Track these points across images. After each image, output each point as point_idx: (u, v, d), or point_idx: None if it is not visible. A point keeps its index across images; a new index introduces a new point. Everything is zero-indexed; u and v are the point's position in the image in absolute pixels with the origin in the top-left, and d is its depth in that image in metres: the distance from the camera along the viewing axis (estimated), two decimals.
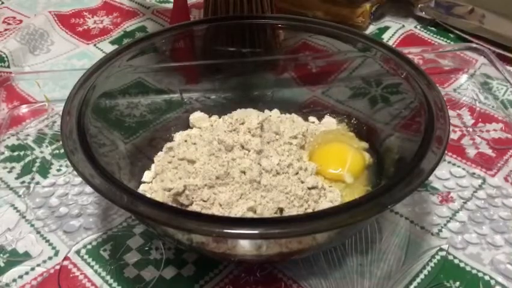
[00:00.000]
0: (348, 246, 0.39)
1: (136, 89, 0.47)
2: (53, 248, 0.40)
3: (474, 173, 0.45)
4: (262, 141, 0.41)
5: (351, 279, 0.37)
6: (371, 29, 0.67)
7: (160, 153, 0.45)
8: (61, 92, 0.52)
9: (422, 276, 0.37)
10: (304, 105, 0.50)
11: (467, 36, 0.64)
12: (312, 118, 0.49)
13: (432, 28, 0.66)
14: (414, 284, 0.37)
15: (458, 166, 0.46)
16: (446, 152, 0.41)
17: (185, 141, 0.44)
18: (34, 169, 0.46)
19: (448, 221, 0.41)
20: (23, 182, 0.45)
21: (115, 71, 0.43)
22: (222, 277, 0.37)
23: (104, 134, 0.41)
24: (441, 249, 0.39)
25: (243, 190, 0.37)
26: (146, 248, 0.39)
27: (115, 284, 0.37)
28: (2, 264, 0.38)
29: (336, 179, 0.41)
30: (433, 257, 0.38)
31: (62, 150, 0.47)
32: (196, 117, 0.48)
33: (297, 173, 0.40)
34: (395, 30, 0.66)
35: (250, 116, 0.42)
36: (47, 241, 0.40)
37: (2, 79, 0.54)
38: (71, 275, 0.38)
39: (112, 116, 0.44)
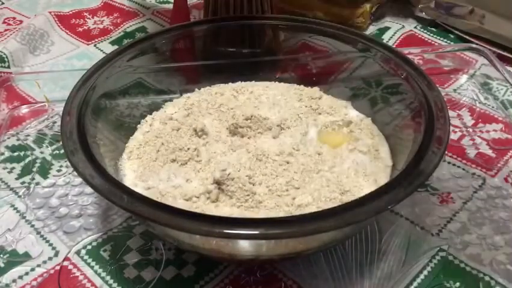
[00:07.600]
0: (348, 246, 0.39)
1: (136, 90, 0.47)
2: (53, 248, 0.40)
3: (474, 174, 0.45)
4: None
5: (351, 279, 0.37)
6: (371, 30, 0.67)
7: None
8: (61, 92, 0.52)
9: (422, 276, 0.37)
10: None
11: (467, 37, 0.64)
12: None
13: (432, 28, 0.66)
14: (415, 284, 0.37)
15: (458, 166, 0.46)
16: (446, 152, 0.40)
17: None
18: (34, 169, 0.46)
19: (448, 222, 0.41)
20: (23, 183, 0.45)
21: (115, 71, 0.43)
22: (222, 277, 0.37)
23: (104, 134, 0.41)
24: (441, 250, 0.39)
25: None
26: (147, 249, 0.39)
27: (115, 285, 0.37)
28: (2, 265, 0.38)
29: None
30: (433, 257, 0.38)
31: (62, 151, 0.47)
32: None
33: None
34: (395, 30, 0.66)
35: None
36: (47, 241, 0.40)
37: (2, 79, 0.54)
38: (71, 276, 0.38)
39: (112, 116, 0.44)
